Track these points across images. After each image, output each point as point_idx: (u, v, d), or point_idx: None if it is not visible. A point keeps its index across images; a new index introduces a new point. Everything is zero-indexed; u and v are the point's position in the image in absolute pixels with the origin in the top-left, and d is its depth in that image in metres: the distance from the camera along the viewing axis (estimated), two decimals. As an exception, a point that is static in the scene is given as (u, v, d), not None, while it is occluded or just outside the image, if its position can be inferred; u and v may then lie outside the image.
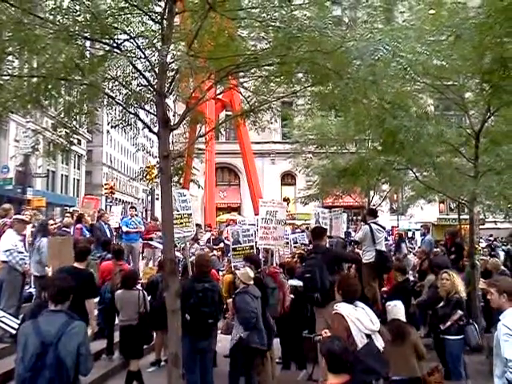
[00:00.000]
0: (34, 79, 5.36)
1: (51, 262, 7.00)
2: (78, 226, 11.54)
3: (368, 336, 4.28)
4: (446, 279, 6.62)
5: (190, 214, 8.40)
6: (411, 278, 10.03)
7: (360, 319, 4.25)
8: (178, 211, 8.07)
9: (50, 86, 5.27)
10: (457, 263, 10.18)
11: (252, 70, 5.88)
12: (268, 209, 8.90)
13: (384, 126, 7.32)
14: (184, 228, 8.16)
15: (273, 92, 6.25)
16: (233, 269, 8.86)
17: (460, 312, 6.41)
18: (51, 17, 4.92)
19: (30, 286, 8.62)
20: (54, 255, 6.96)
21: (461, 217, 16.25)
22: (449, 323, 6.38)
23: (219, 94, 7.62)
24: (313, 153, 17.55)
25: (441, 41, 6.83)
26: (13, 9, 4.77)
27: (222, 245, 14.38)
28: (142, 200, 69.97)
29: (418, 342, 5.46)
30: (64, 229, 10.61)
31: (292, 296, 7.54)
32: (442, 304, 6.59)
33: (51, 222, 9.55)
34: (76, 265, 6.22)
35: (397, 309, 5.55)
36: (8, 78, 5.49)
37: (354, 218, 31.74)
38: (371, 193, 16.05)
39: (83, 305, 5.75)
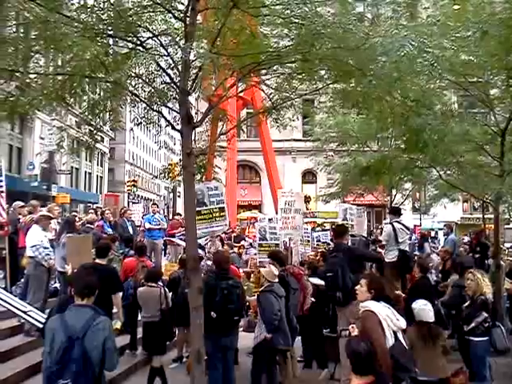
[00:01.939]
0: (59, 77, 5.44)
1: (70, 259, 7.12)
2: (99, 222, 11.68)
3: (394, 334, 4.25)
4: (470, 280, 6.49)
5: (223, 208, 8.30)
6: (434, 278, 9.90)
7: (389, 316, 4.24)
8: (206, 206, 8.03)
9: (74, 84, 5.34)
10: (482, 263, 10.02)
11: (274, 68, 5.87)
12: (286, 199, 9.02)
13: (408, 124, 7.24)
14: (214, 223, 8.12)
15: (295, 89, 6.22)
16: (257, 264, 8.88)
17: (485, 314, 6.27)
18: (76, 15, 4.98)
19: (55, 282, 8.76)
20: (72, 253, 7.07)
21: (485, 216, 16.00)
22: (473, 325, 6.25)
23: (241, 92, 7.62)
24: (334, 151, 17.47)
25: (467, 37, 6.70)
26: (39, 8, 4.85)
27: (243, 242, 14.39)
28: (164, 197, 70.55)
29: (445, 343, 5.39)
30: (88, 225, 10.75)
31: (313, 299, 7.50)
32: (467, 304, 6.48)
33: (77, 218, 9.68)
34: (98, 261, 6.29)
35: (425, 310, 5.38)
36: (35, 76, 5.59)
37: (376, 216, 31.54)
38: (393, 191, 15.92)
39: (108, 300, 5.82)
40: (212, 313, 5.53)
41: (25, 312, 6.71)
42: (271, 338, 5.98)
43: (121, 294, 6.34)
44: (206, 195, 8.10)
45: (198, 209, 8.14)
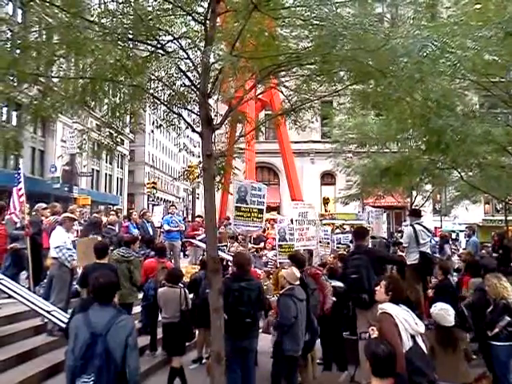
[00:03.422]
0: (81, 81, 5.52)
1: (81, 262, 7.22)
2: (125, 224, 11.82)
3: (412, 337, 4.20)
4: (487, 286, 6.37)
5: (261, 210, 8.44)
6: (456, 280, 9.78)
7: (407, 320, 4.19)
8: (247, 204, 8.15)
9: (96, 87, 5.42)
10: (505, 266, 9.84)
11: (293, 69, 5.86)
12: (300, 210, 9.01)
13: (429, 125, 7.16)
14: (250, 222, 8.23)
15: (314, 91, 6.21)
16: (278, 265, 8.88)
17: (508, 318, 6.13)
18: (98, 19, 5.05)
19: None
20: (82, 256, 7.17)
21: (508, 218, 15.75)
22: (497, 330, 6.10)
23: (260, 94, 7.63)
24: (353, 152, 17.39)
25: (489, 37, 6.61)
26: (62, 13, 4.93)
27: (262, 244, 14.41)
28: (183, 199, 71.02)
29: (467, 347, 5.28)
30: (109, 226, 10.88)
31: (334, 299, 7.45)
32: (490, 309, 6.35)
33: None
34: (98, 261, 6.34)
35: (443, 314, 5.27)
36: (58, 80, 5.68)
37: (396, 218, 31.26)
38: (413, 193, 15.77)
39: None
40: (224, 314, 5.53)
41: (48, 312, 6.80)
42: (281, 343, 5.94)
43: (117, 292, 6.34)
44: (249, 193, 8.25)
45: (237, 205, 8.33)
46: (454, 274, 10.76)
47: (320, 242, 10.38)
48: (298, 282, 6.16)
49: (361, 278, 6.06)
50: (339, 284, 7.54)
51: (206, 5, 5.05)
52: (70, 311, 6.24)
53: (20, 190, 9.40)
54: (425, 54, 4.27)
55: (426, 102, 6.05)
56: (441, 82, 5.52)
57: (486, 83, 8.30)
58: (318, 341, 7.47)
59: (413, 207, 14.49)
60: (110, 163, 47.15)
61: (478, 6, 7.38)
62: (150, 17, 4.93)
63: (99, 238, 8.02)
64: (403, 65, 4.50)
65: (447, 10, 8.08)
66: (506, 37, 6.59)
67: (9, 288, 7.09)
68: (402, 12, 6.66)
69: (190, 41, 5.36)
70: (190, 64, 5.47)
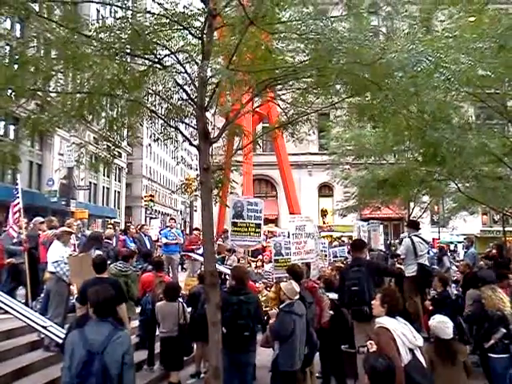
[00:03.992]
0: (79, 95, 5.55)
1: (74, 279, 7.16)
2: (122, 237, 11.78)
3: (410, 351, 4.18)
4: (483, 298, 6.35)
5: (259, 225, 8.53)
6: (455, 292, 9.76)
7: (405, 334, 4.16)
8: (243, 219, 8.20)
9: (94, 102, 5.44)
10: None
11: (290, 83, 5.90)
12: (297, 224, 9.00)
13: (425, 137, 7.19)
14: (248, 237, 8.28)
15: (311, 104, 6.25)
16: (274, 280, 8.84)
17: (503, 330, 6.10)
18: (95, 35, 5.09)
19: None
20: (76, 273, 7.11)
21: (505, 229, 15.78)
22: (492, 341, 6.07)
23: (257, 107, 7.67)
24: (350, 164, 17.46)
25: (484, 50, 6.67)
26: (60, 28, 4.97)
27: (259, 257, 14.36)
28: (181, 212, 70.94)
29: (467, 359, 5.23)
30: (106, 240, 10.84)
31: (331, 312, 7.41)
32: (489, 321, 6.32)
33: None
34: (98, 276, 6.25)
35: (441, 327, 5.25)
36: (55, 94, 5.71)
37: (394, 230, 31.28)
38: (411, 204, 15.82)
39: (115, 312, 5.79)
40: (222, 328, 5.49)
41: (45, 327, 6.75)
42: (277, 358, 5.90)
43: (124, 305, 6.30)
44: (245, 209, 8.33)
45: (234, 220, 8.36)
46: (453, 285, 10.74)
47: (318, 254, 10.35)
48: (297, 297, 6.11)
49: (361, 291, 6.05)
50: (335, 296, 7.51)
51: (202, 19, 5.09)
52: (66, 326, 6.18)
53: (16, 205, 9.43)
54: (419, 68, 4.31)
55: (421, 115, 6.09)
56: (436, 96, 5.57)
57: (481, 95, 8.37)
58: (317, 354, 7.43)
59: (411, 218, 14.52)
60: (108, 176, 47.09)
61: (473, 19, 7.45)
62: (147, 31, 4.97)
63: (98, 253, 7.95)
64: (398, 79, 4.54)
65: (442, 24, 8.16)
66: (500, 50, 6.65)
67: (5, 303, 7.04)
68: (397, 25, 6.72)
69: (187, 55, 5.40)
70: (187, 78, 5.51)
